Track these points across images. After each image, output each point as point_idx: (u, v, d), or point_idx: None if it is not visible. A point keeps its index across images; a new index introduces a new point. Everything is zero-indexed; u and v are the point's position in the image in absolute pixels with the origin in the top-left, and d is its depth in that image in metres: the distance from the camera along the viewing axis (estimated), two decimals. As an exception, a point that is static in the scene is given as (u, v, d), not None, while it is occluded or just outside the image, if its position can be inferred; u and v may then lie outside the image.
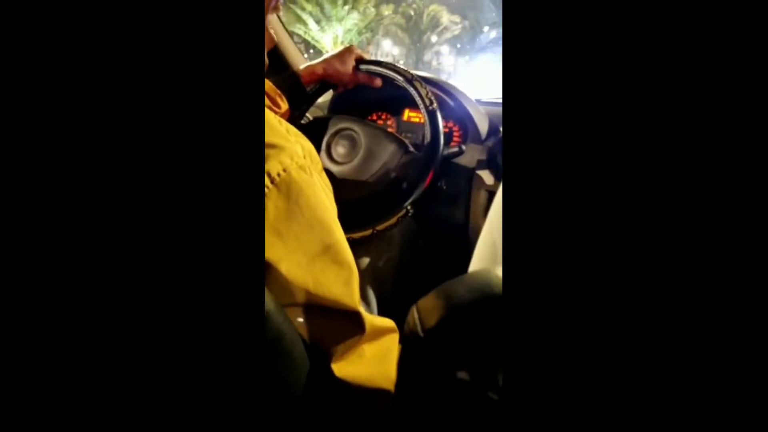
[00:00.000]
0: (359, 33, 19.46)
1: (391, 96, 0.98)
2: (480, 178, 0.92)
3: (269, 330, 0.37)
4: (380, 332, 0.49)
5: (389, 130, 0.98)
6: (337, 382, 0.45)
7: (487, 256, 0.64)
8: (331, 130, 0.91)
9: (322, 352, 0.46)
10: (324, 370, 0.45)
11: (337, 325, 0.46)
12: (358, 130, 0.88)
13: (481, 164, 0.93)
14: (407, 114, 1.15)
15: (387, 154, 0.85)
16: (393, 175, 0.84)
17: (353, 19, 18.81)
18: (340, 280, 0.45)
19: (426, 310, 0.39)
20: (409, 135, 1.12)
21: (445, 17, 27.14)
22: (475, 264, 0.64)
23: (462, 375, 0.35)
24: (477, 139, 0.97)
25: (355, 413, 0.46)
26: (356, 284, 0.47)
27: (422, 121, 0.97)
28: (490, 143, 0.96)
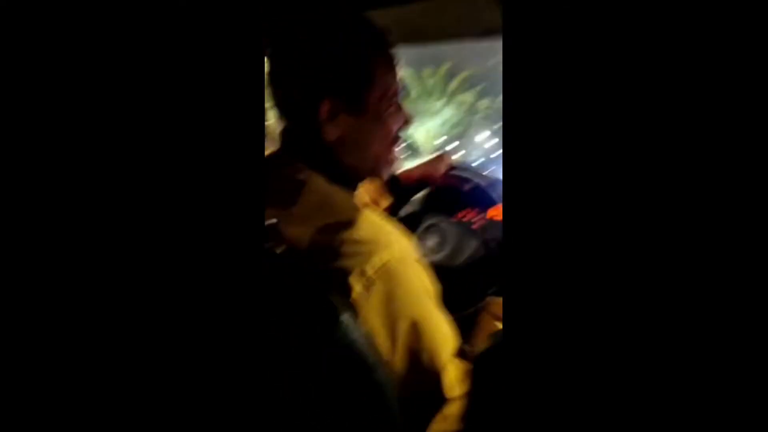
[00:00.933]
0: (452, 127, 19.73)
1: (477, 195, 1.12)
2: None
3: (376, 377, 0.51)
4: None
5: (474, 227, 1.10)
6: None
7: None
8: (424, 224, 1.06)
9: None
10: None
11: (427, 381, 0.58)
12: (445, 226, 1.03)
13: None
14: (491, 213, 1.28)
15: (470, 249, 0.98)
16: (476, 267, 0.98)
17: (447, 114, 19.19)
18: (437, 336, 0.58)
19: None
20: (494, 234, 1.25)
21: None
22: None
23: None
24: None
25: None
26: (449, 345, 0.60)
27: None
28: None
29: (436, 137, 18.88)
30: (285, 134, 0.71)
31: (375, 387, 0.52)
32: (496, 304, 0.82)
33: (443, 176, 1.04)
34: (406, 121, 0.73)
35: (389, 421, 0.53)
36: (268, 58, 0.65)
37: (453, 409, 0.59)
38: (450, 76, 18.96)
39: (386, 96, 0.68)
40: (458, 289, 0.92)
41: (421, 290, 0.61)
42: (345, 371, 0.45)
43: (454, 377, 0.60)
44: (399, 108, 0.72)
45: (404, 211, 1.14)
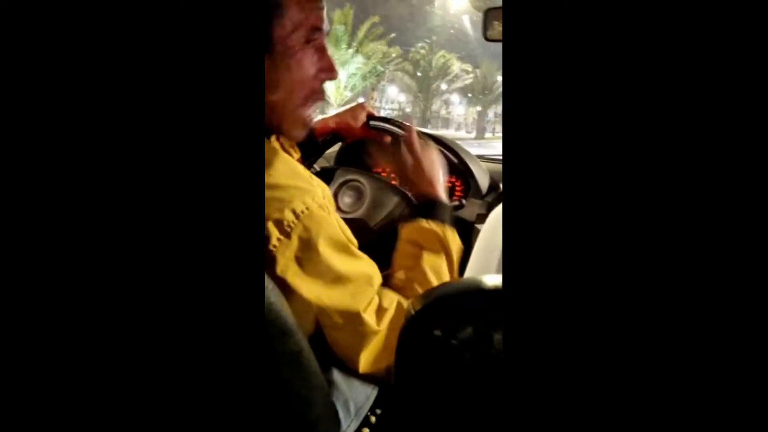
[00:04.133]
0: (363, 78, 18.99)
1: (396, 149, 1.12)
2: (479, 231, 1.04)
3: (292, 345, 0.50)
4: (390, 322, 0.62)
5: (393, 182, 1.11)
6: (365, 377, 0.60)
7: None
8: (338, 181, 1.04)
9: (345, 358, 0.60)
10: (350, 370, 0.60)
11: (349, 331, 0.59)
12: (364, 181, 1.01)
13: (480, 218, 1.05)
14: None
15: (391, 206, 0.98)
16: (396, 225, 0.94)
17: (357, 63, 18.52)
18: (347, 294, 0.59)
19: (416, 299, 0.52)
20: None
21: (456, 65, 27.51)
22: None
23: (437, 332, 0.48)
24: (477, 194, 1.10)
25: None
26: (365, 293, 0.61)
27: None
28: (489, 198, 1.10)
29: (347, 89, 18.57)
30: None
31: (290, 356, 0.51)
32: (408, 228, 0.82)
33: (361, 128, 1.01)
34: (329, 69, 0.67)
35: (308, 390, 0.53)
36: None
37: (378, 343, 0.61)
38: (357, 22, 18.74)
39: (300, 31, 0.62)
40: (376, 250, 0.92)
41: (343, 238, 0.62)
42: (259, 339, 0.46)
43: (373, 313, 0.62)
44: (320, 50, 0.66)
45: (317, 166, 1.12)
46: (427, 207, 0.82)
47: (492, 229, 0.88)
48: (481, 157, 1.22)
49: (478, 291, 0.48)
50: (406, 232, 0.80)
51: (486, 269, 0.85)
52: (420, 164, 0.85)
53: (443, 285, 0.60)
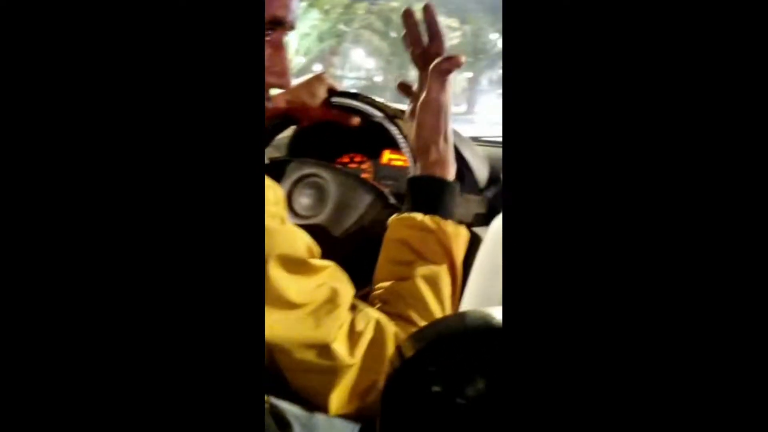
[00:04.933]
0: (320, 39, 15.72)
1: (366, 133, 0.93)
2: (478, 237, 0.85)
3: None
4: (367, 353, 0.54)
5: (364, 176, 0.94)
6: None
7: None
8: (292, 177, 0.87)
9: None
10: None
11: (315, 370, 0.52)
12: (326, 176, 0.85)
13: (478, 219, 0.87)
14: (387, 156, 1.10)
15: (362, 208, 0.82)
16: (369, 233, 0.80)
17: (312, 19, 14.83)
18: (309, 321, 0.51)
19: (408, 341, 0.45)
20: (389, 183, 1.07)
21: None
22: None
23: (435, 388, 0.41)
24: (474, 188, 0.91)
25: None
26: (331, 315, 0.52)
27: (407, 165, 0.95)
28: (490, 194, 0.91)
29: (299, 53, 14.90)
30: None
31: None
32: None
33: (320, 107, 0.85)
34: (280, 74, 0.58)
35: None
36: None
37: (351, 379, 0.53)
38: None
39: None
40: (343, 264, 0.76)
41: (300, 253, 0.54)
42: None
43: (345, 340, 0.54)
44: (275, 49, 0.57)
45: (265, 157, 0.96)
46: (425, 190, 0.67)
47: (498, 240, 0.72)
48: (475, 139, 1.02)
49: (488, 330, 0.40)
50: (396, 228, 0.67)
51: (490, 296, 0.68)
52: (415, 120, 0.68)
53: (441, 321, 0.52)
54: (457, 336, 0.42)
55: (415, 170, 0.70)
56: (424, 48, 0.71)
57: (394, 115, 0.80)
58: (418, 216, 0.64)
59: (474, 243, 0.86)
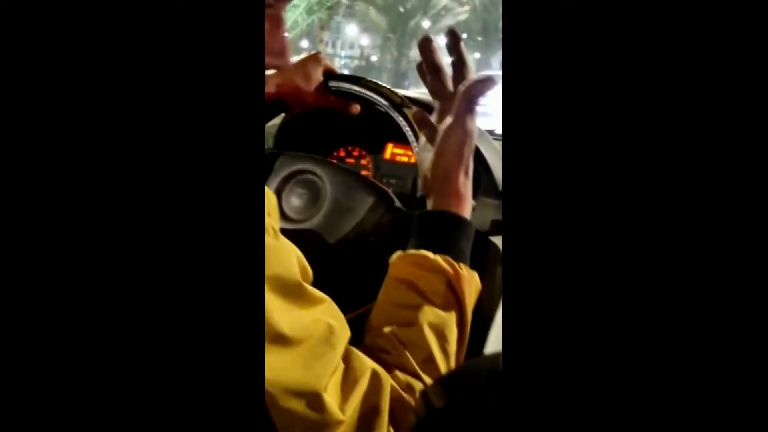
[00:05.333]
0: (309, 11, 14.25)
1: (366, 123, 0.85)
2: (497, 248, 0.75)
3: None
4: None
5: (364, 173, 0.87)
6: None
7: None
8: (281, 173, 0.78)
9: None
10: None
11: (300, 419, 0.46)
12: (320, 173, 0.76)
13: (497, 227, 0.78)
14: (390, 150, 1.02)
15: (362, 211, 0.72)
16: (371, 240, 0.72)
17: None
18: (298, 362, 0.46)
19: (427, 394, 0.43)
20: (392, 182, 0.99)
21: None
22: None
23: None
24: (492, 190, 0.81)
25: None
26: (323, 359, 0.47)
27: (412, 161, 0.84)
28: None
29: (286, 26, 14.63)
30: None
31: None
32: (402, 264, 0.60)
33: (315, 92, 0.79)
34: (279, 53, 0.56)
35: None
36: None
37: None
38: None
39: None
40: (340, 277, 0.70)
41: (294, 276, 0.48)
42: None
43: (337, 390, 0.49)
44: (274, 23, 0.56)
45: None
46: (438, 227, 0.60)
47: None
48: (491, 132, 0.92)
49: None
50: (400, 266, 0.60)
51: None
52: (436, 146, 0.61)
53: (473, 365, 0.48)
54: (494, 380, 0.38)
55: (428, 203, 0.63)
56: (444, 77, 0.65)
57: (401, 104, 0.72)
58: (429, 254, 0.57)
59: (488, 252, 0.76)
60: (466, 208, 0.61)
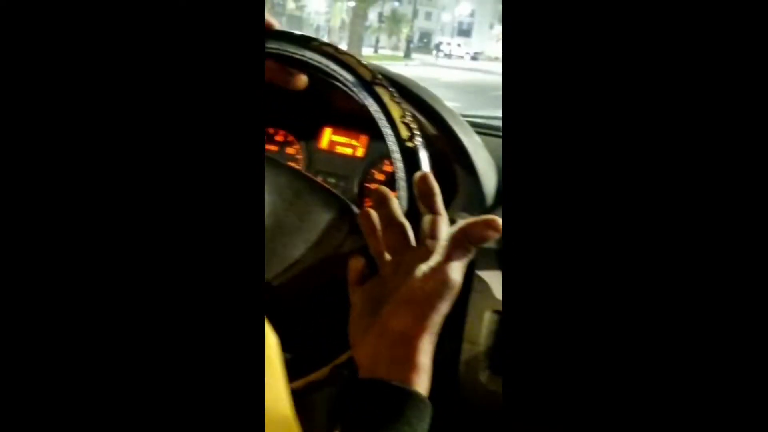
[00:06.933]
0: None
1: (294, 97, 0.63)
2: (483, 283, 0.59)
3: None
4: None
5: (291, 164, 0.63)
6: None
7: None
8: None
9: None
10: None
11: None
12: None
13: (486, 256, 0.60)
14: (328, 138, 0.81)
15: (316, 232, 0.53)
16: (327, 276, 0.54)
17: None
18: None
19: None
20: (330, 181, 0.79)
21: None
22: None
23: None
24: (474, 202, 0.64)
25: None
26: None
27: (358, 154, 0.65)
28: (501, 213, 0.62)
29: None
30: None
31: None
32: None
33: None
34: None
35: None
36: None
37: None
38: None
39: None
40: (289, 326, 0.49)
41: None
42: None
43: None
44: None
45: None
46: (383, 399, 0.45)
47: None
48: (472, 121, 0.75)
49: None
50: None
51: None
52: (398, 291, 0.48)
53: None
54: None
55: (365, 372, 0.48)
56: (406, 231, 0.51)
57: (373, 80, 0.53)
58: None
59: (475, 288, 0.59)
60: (423, 382, 0.46)
